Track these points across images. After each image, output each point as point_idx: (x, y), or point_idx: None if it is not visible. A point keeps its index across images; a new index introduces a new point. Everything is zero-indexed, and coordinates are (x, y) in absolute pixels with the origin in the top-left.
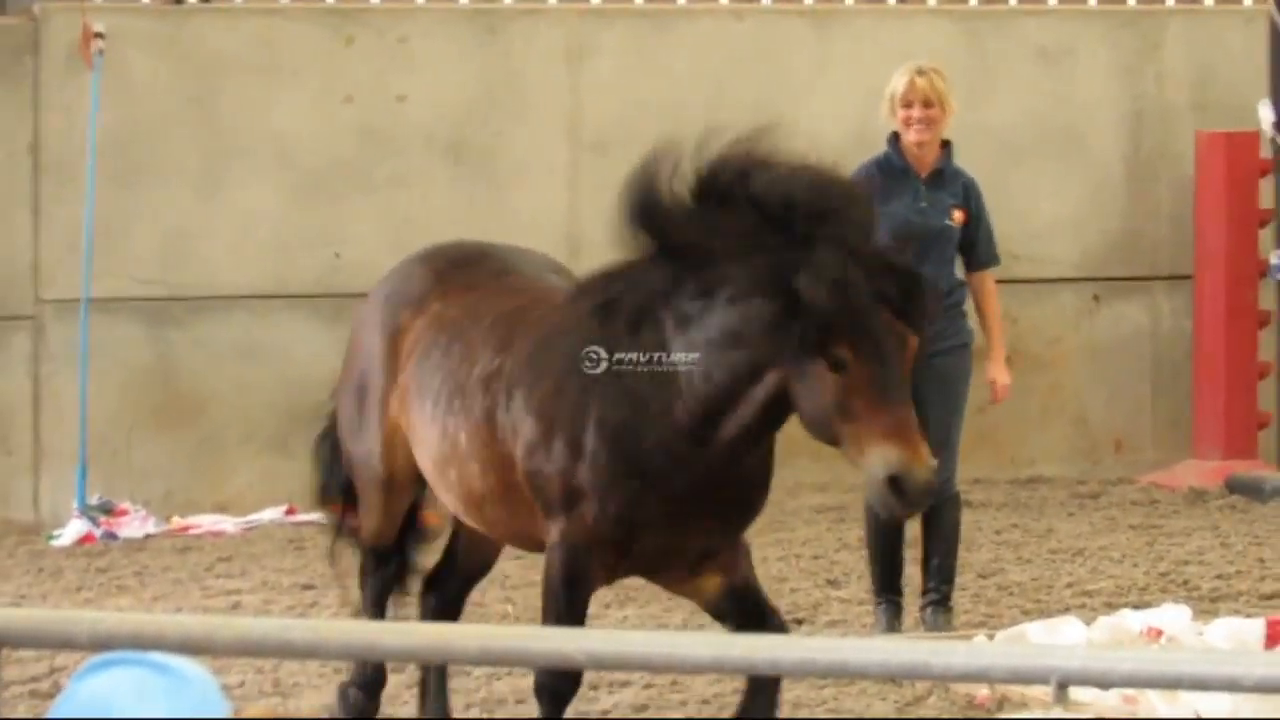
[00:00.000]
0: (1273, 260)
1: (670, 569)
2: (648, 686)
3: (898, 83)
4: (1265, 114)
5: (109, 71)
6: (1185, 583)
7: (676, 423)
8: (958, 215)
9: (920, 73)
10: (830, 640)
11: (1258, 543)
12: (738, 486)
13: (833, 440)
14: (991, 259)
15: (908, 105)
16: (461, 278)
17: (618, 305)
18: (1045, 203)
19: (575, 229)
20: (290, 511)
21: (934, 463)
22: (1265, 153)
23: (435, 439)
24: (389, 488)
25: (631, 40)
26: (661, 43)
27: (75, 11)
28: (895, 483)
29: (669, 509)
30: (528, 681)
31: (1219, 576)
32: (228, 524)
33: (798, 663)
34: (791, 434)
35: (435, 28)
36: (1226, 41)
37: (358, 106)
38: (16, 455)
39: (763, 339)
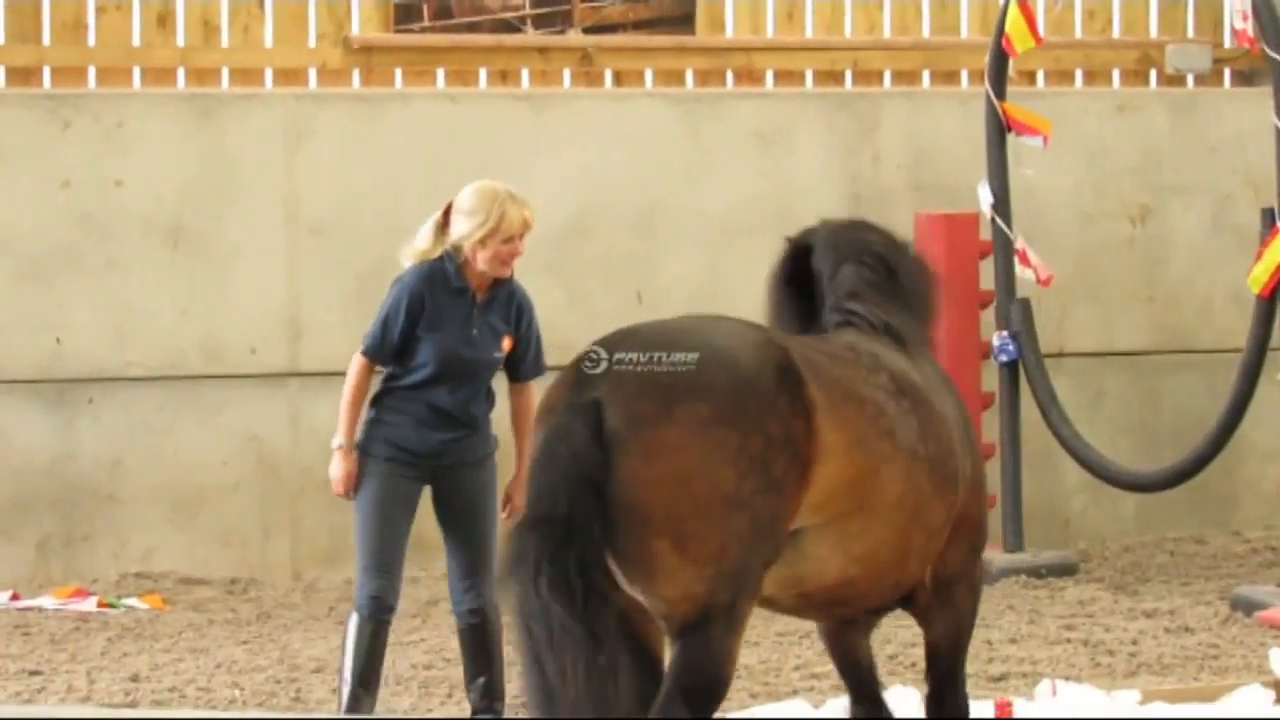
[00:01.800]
0: (995, 342)
1: None
2: None
3: (493, 214)
4: (984, 195)
5: None
6: (913, 665)
7: None
8: (506, 344)
9: (519, 204)
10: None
11: (984, 624)
12: None
13: None
14: (538, 371)
15: (510, 240)
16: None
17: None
18: (760, 285)
19: (295, 312)
20: (15, 597)
21: None
22: (985, 234)
23: None
24: None
25: (348, 123)
26: (377, 126)
27: None
28: None
29: None
30: None
31: None
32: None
33: None
34: None
35: (151, 111)
36: (943, 123)
37: (75, 191)
38: None
39: None
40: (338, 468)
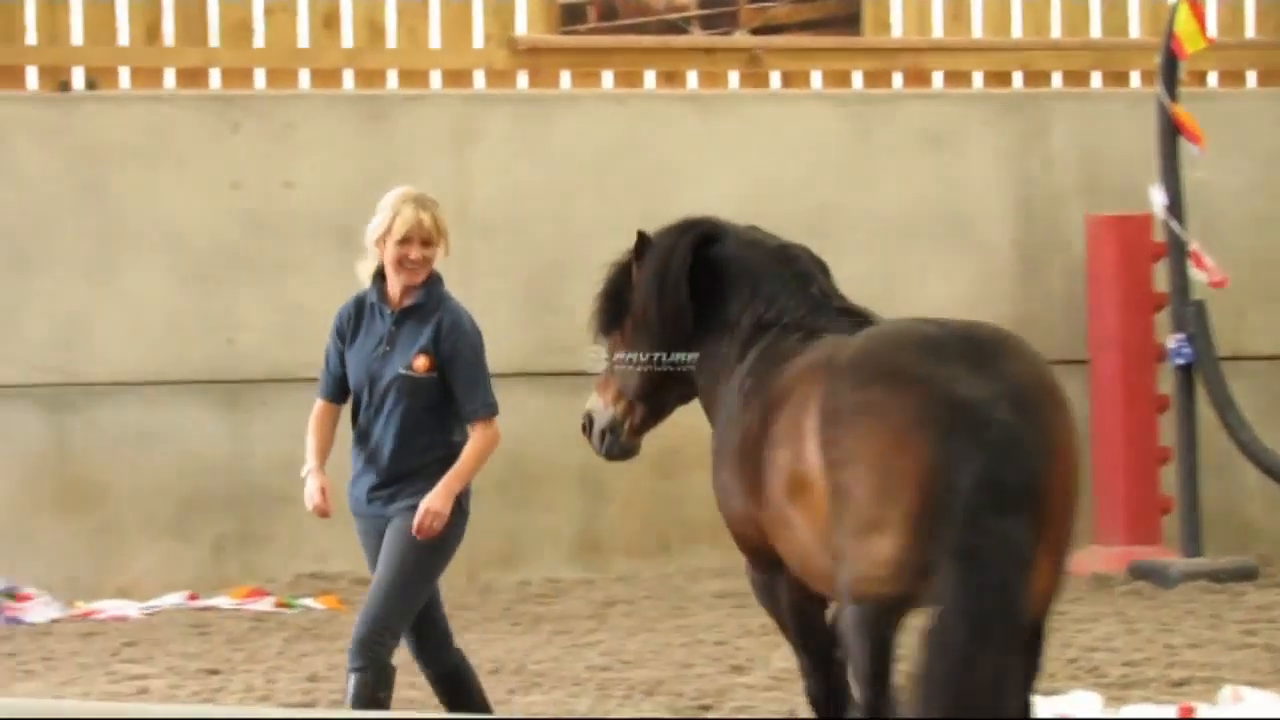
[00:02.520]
0: (1171, 345)
1: None
2: None
3: (388, 214)
4: (1157, 198)
5: None
6: (1094, 669)
7: None
8: (420, 363)
9: (421, 205)
10: None
11: (1165, 629)
12: None
13: None
14: (480, 408)
15: (405, 243)
16: None
17: None
18: (934, 288)
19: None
20: (193, 597)
21: None
22: (1158, 236)
23: None
24: None
25: (515, 125)
26: (546, 127)
27: None
28: None
29: None
30: None
31: (1127, 663)
32: (131, 609)
33: None
34: (691, 521)
35: (320, 113)
36: (1114, 124)
37: (244, 192)
38: None
39: None
40: (307, 488)
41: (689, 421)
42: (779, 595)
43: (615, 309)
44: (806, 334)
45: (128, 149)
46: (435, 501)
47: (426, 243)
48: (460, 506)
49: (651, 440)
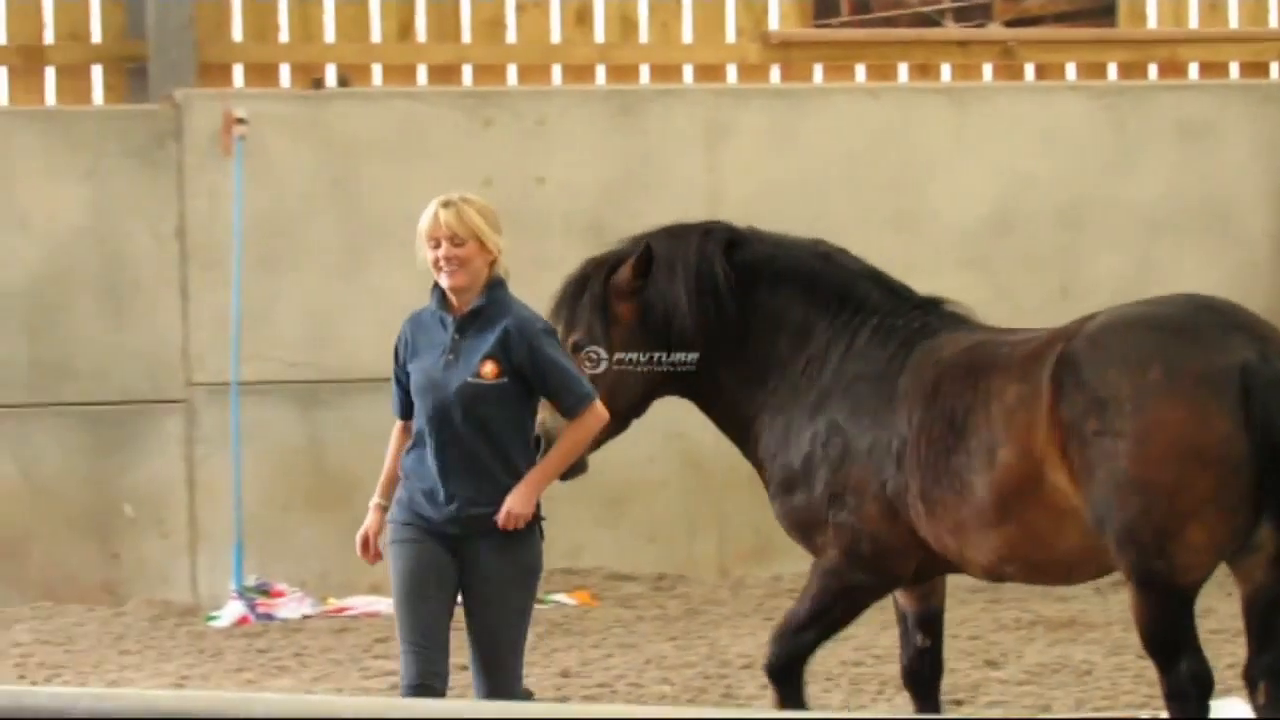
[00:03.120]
0: None
1: None
2: None
3: (423, 217)
4: None
5: (251, 156)
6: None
7: None
8: (488, 369)
9: (446, 204)
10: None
11: None
12: None
13: None
14: (581, 402)
15: (434, 244)
16: None
17: None
18: (1190, 280)
19: None
20: None
21: None
22: None
23: None
24: None
25: (768, 119)
26: (799, 121)
27: (217, 98)
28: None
29: None
30: None
31: None
32: (382, 605)
33: None
34: None
35: (572, 109)
36: None
37: (496, 189)
38: (173, 537)
39: None
40: (363, 526)
41: None
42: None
43: (602, 316)
44: (920, 332)
45: (379, 146)
46: (518, 503)
47: (455, 242)
48: (538, 526)
49: None
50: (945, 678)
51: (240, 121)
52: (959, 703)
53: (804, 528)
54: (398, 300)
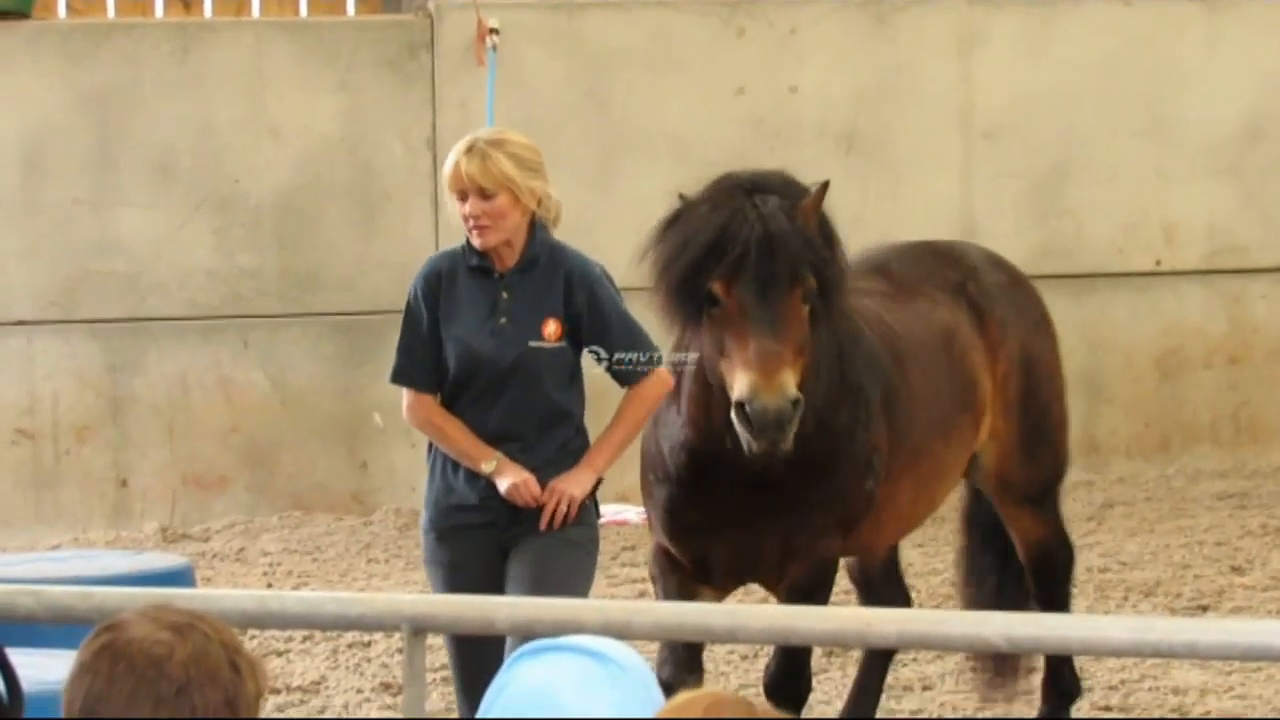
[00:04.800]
0: None
1: (751, 577)
2: None
3: (446, 161)
4: None
5: (503, 67)
6: None
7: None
8: (550, 329)
9: (470, 150)
10: (1247, 623)
11: None
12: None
13: (721, 385)
14: (651, 362)
15: (459, 196)
16: None
17: None
18: None
19: (969, 218)
20: None
21: (789, 391)
22: None
23: None
24: None
25: (1021, 28)
26: (1051, 30)
27: (470, 8)
28: (741, 409)
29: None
30: (934, 667)
31: None
32: (630, 513)
33: (1214, 645)
34: (1192, 421)
35: (825, 18)
36: None
37: (749, 98)
38: (421, 446)
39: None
40: (509, 480)
41: (1191, 323)
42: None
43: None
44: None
45: (632, 56)
46: (572, 485)
47: (483, 195)
48: (594, 510)
49: (1154, 340)
50: (1190, 583)
51: (493, 31)
52: (1204, 608)
53: None
54: (650, 210)
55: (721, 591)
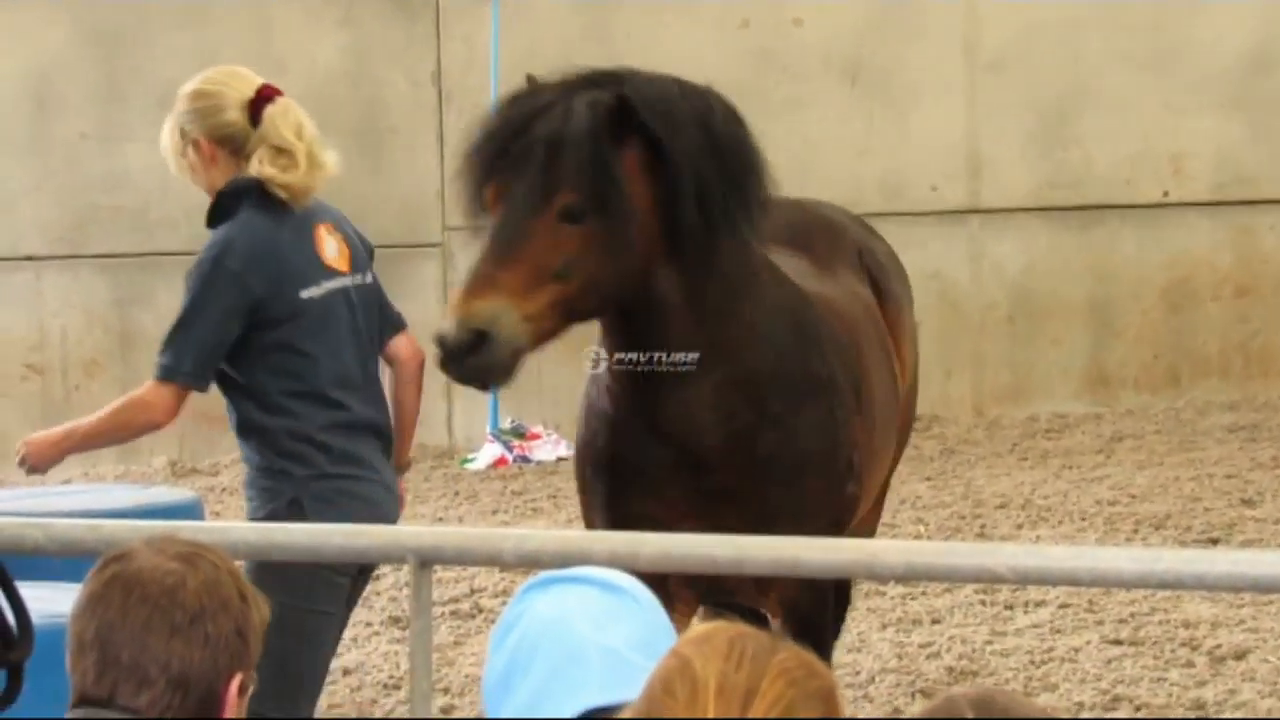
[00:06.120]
0: None
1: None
2: (1063, 606)
3: None
4: None
5: (507, 1)
6: None
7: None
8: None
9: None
10: (1257, 553)
11: None
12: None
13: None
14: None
15: None
16: None
17: None
18: None
19: (974, 149)
20: None
21: (473, 320)
22: None
23: None
24: None
25: None
26: None
27: None
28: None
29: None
30: (942, 601)
31: None
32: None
33: (1223, 576)
34: (1201, 353)
35: None
36: None
37: (754, 30)
38: (429, 380)
39: None
40: None
41: (1199, 255)
42: None
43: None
44: None
45: None
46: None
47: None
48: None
49: (1162, 272)
50: (1200, 516)
51: None
52: (1214, 541)
53: None
54: None
55: (686, 609)
